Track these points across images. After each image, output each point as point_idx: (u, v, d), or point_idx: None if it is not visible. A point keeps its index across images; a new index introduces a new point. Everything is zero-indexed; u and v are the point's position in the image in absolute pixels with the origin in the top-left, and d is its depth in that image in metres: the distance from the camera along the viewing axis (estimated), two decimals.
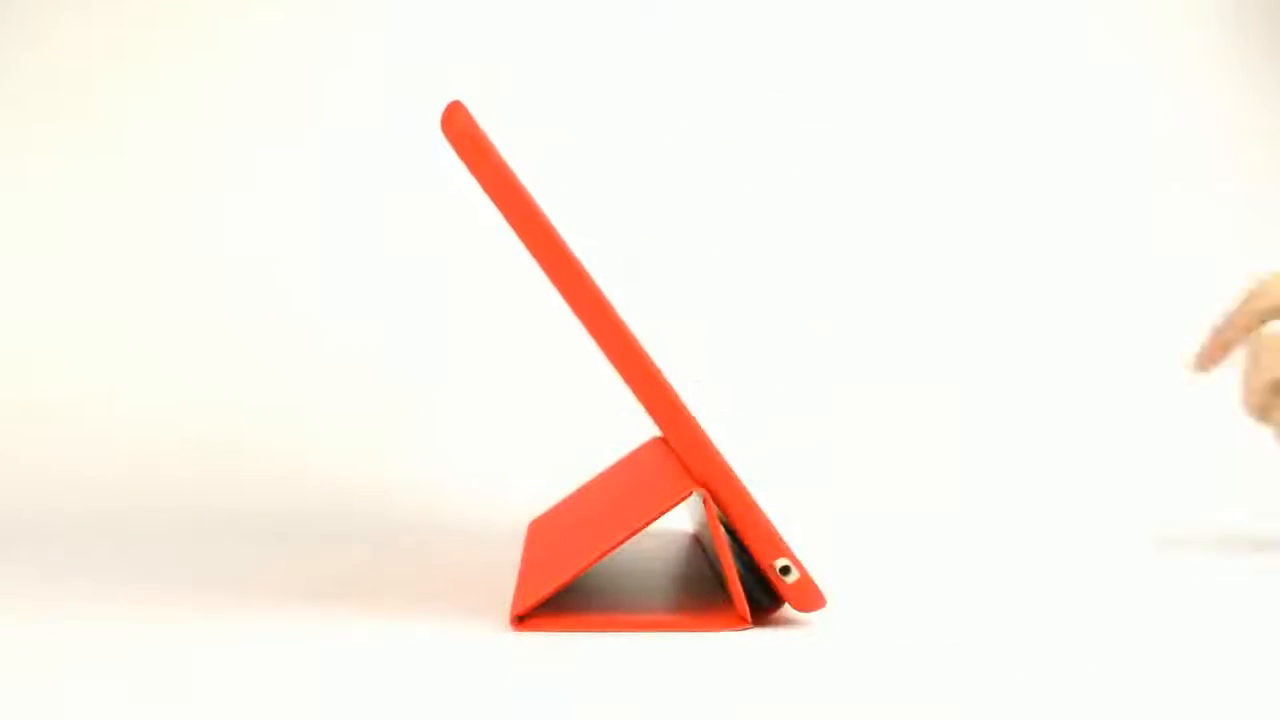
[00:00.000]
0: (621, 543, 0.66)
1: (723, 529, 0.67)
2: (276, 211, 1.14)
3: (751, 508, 0.66)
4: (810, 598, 0.67)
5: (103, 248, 1.13)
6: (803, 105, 1.16)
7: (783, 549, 0.66)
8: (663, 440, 0.82)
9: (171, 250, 1.13)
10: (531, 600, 0.66)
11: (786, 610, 0.68)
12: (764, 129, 1.15)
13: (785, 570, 0.66)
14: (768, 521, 0.66)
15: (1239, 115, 1.18)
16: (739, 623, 0.67)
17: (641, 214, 1.15)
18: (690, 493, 0.66)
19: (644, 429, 0.85)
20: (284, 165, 1.15)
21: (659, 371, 0.66)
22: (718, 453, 0.66)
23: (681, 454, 0.66)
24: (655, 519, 0.66)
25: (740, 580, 0.67)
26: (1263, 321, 0.83)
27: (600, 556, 0.66)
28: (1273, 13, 1.18)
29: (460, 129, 0.64)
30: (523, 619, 0.66)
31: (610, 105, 1.16)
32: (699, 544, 0.83)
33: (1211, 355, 0.84)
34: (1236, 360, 0.84)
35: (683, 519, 0.86)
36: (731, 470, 0.66)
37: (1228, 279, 0.94)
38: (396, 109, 1.14)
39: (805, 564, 0.67)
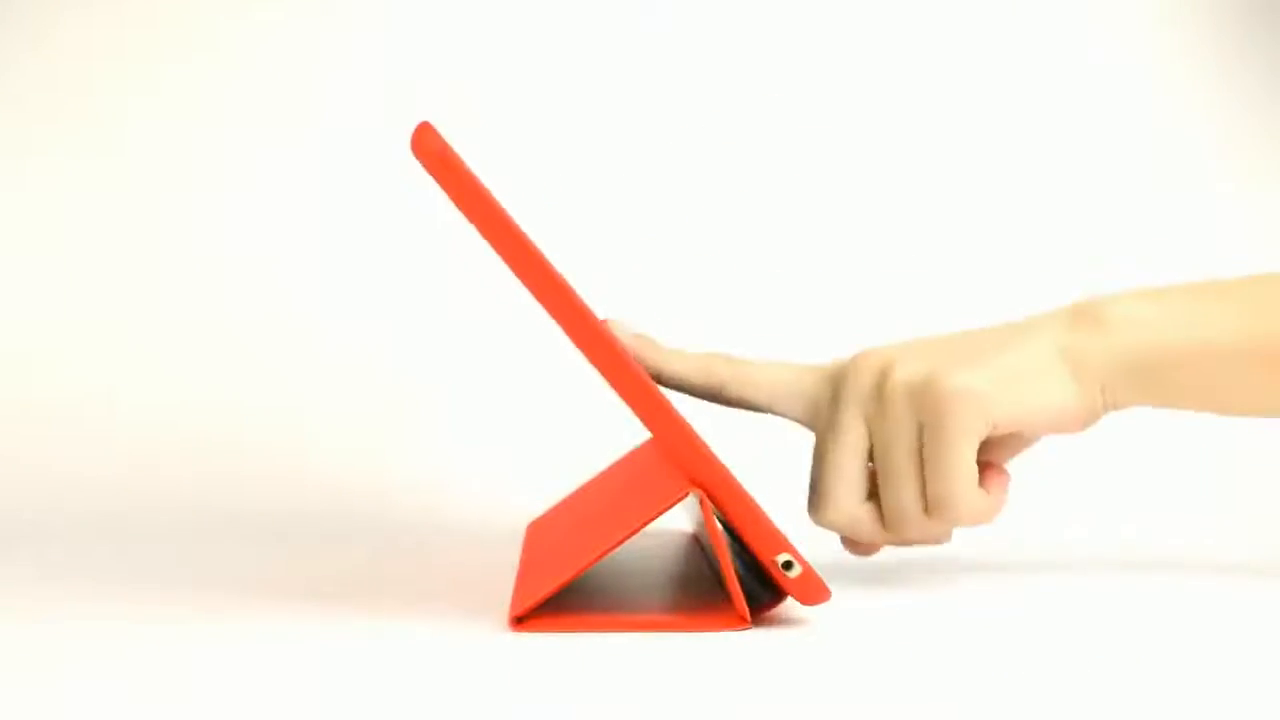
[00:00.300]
0: (619, 544, 0.66)
1: (720, 528, 0.67)
2: (277, 212, 1.14)
3: (749, 505, 0.66)
4: (815, 590, 0.67)
5: (103, 248, 1.13)
6: (798, 103, 1.16)
7: (784, 544, 0.66)
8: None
9: (172, 250, 1.13)
10: (530, 601, 0.66)
11: (786, 609, 0.68)
12: (753, 129, 1.15)
13: (788, 565, 0.66)
14: (766, 518, 0.66)
15: (1239, 115, 1.18)
16: (738, 622, 0.67)
17: (632, 216, 1.15)
18: (687, 493, 0.66)
19: (643, 429, 0.85)
20: (284, 165, 1.15)
21: (645, 377, 0.67)
22: (711, 453, 0.66)
23: (674, 456, 0.66)
24: (652, 520, 0.66)
25: (739, 580, 0.67)
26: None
27: (598, 557, 0.66)
28: (1272, 11, 1.18)
29: (430, 149, 0.65)
30: (521, 620, 0.66)
31: (606, 105, 1.16)
32: (698, 544, 0.84)
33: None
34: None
35: (682, 519, 0.86)
36: (726, 469, 0.66)
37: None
38: (397, 110, 1.14)
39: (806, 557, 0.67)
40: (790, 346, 1.11)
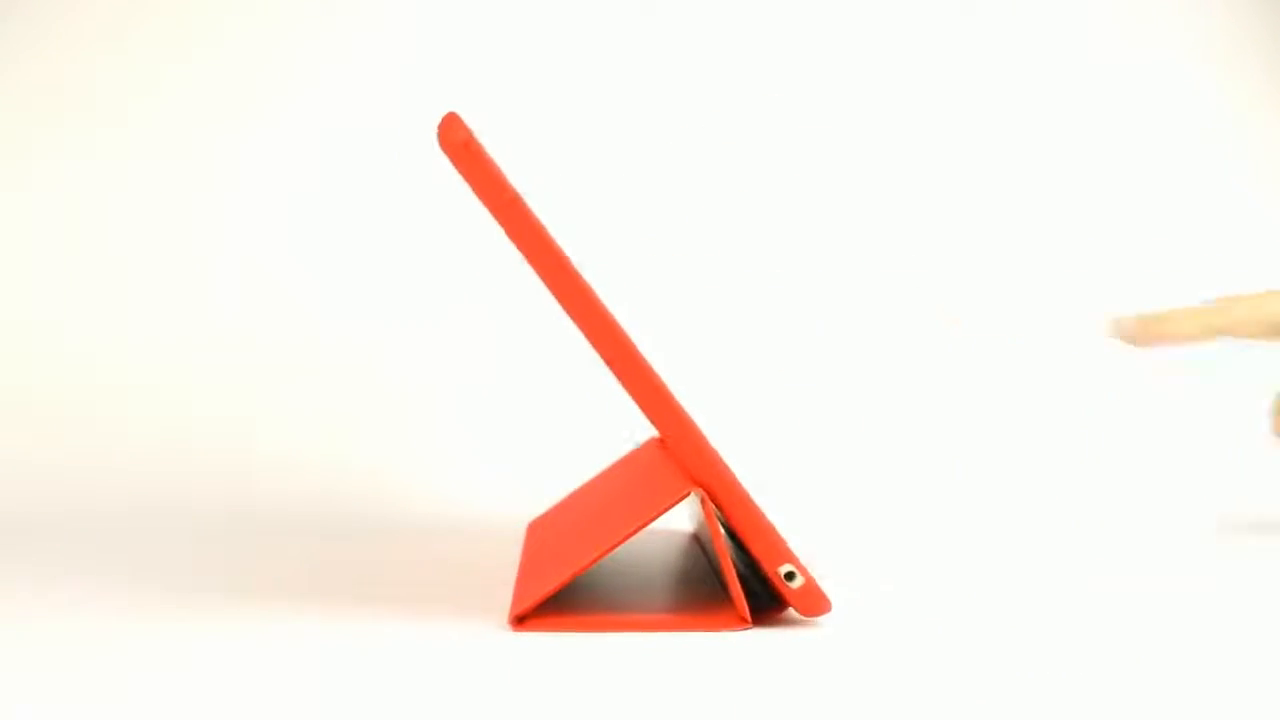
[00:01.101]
0: (620, 543, 0.66)
1: (721, 528, 0.67)
2: (277, 211, 1.14)
3: (753, 512, 0.66)
4: (815, 602, 0.67)
5: (103, 248, 1.13)
6: (807, 102, 1.16)
7: (786, 554, 0.66)
8: (661, 440, 0.81)
9: (172, 251, 1.13)
10: (531, 600, 0.66)
11: (787, 610, 0.68)
12: (762, 130, 1.15)
13: (790, 576, 0.66)
14: (770, 526, 0.66)
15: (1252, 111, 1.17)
16: (739, 623, 0.66)
17: (641, 216, 1.14)
18: (688, 493, 0.66)
19: (644, 429, 0.85)
20: (286, 165, 1.14)
21: (655, 375, 0.67)
22: (716, 454, 0.66)
23: (680, 456, 0.66)
24: (653, 519, 0.66)
25: (741, 580, 0.67)
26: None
27: (599, 557, 0.66)
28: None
29: (456, 140, 0.65)
30: (522, 619, 0.66)
31: (611, 106, 1.15)
32: (699, 543, 0.83)
33: None
34: None
35: (683, 519, 0.86)
36: (730, 472, 0.66)
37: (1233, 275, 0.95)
38: (399, 109, 1.14)
39: (809, 566, 0.67)
40: (783, 346, 1.11)
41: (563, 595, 0.67)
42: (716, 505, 0.66)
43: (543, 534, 0.79)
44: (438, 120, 0.65)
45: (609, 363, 0.66)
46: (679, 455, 0.66)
